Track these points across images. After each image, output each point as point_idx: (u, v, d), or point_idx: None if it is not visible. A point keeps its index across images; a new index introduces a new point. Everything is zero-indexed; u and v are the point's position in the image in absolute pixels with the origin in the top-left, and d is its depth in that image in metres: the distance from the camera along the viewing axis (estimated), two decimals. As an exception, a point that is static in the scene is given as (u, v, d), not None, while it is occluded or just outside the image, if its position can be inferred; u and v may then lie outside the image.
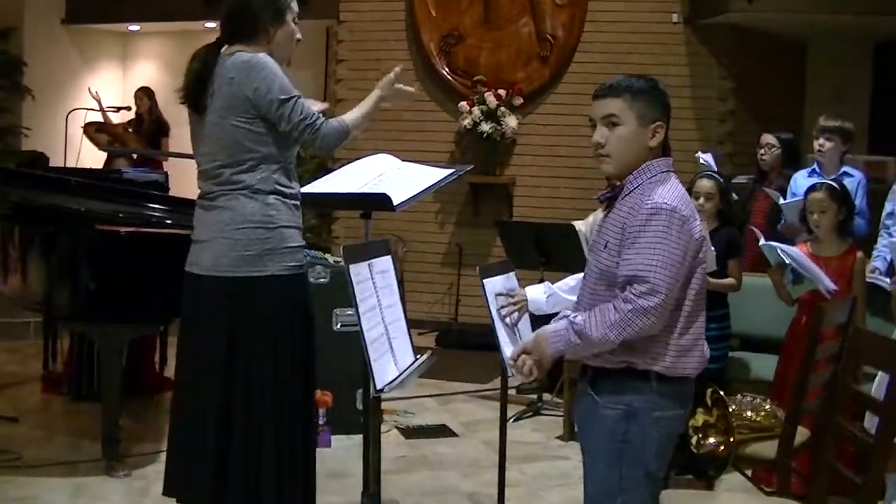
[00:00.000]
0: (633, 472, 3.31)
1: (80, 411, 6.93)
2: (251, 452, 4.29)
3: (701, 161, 7.31)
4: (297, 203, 4.40)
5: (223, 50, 4.32)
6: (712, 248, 5.51)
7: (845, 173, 6.77)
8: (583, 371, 3.46)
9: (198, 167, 4.40)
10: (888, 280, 5.85)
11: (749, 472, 5.35)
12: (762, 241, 5.87)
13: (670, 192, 3.27)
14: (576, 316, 3.31)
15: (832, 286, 5.42)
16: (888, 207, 6.52)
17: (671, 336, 3.26)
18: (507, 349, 4.16)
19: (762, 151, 7.50)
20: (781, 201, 6.77)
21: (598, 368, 3.37)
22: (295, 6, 4.42)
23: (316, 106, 4.61)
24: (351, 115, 4.48)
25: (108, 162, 9.58)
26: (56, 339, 7.89)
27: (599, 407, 3.36)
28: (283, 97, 4.20)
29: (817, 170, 6.89)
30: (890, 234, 6.46)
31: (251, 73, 4.19)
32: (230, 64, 4.24)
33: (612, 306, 3.21)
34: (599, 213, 3.48)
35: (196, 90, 4.34)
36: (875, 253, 6.40)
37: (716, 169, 7.10)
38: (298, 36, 4.45)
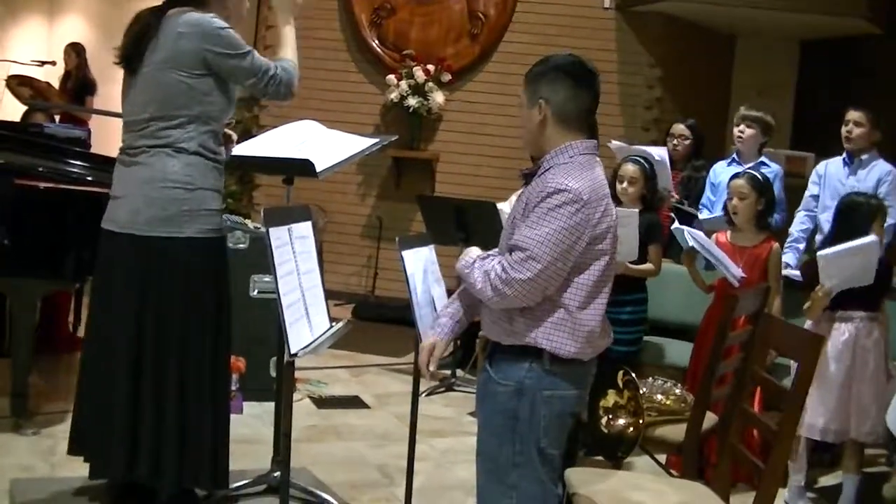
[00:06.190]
0: (526, 447, 3.36)
1: (-12, 367, 6.83)
2: (156, 412, 4.29)
3: None
4: (221, 168, 4.39)
5: (170, 11, 4.29)
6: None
7: (763, 163, 6.86)
8: (484, 346, 3.51)
9: (124, 119, 4.35)
10: (798, 273, 5.93)
11: (660, 457, 5.41)
12: (674, 226, 5.93)
13: (578, 175, 3.28)
14: (484, 258, 3.38)
15: (739, 273, 5.49)
16: (813, 190, 6.61)
17: (566, 320, 3.29)
18: (423, 324, 4.16)
19: (675, 142, 7.57)
20: (702, 216, 6.96)
21: (495, 344, 3.42)
22: None
23: None
24: (287, 53, 4.50)
25: (26, 116, 9.41)
26: (-34, 293, 7.78)
27: (492, 382, 3.41)
28: (243, 51, 4.24)
29: (736, 158, 6.99)
30: (810, 216, 6.58)
31: (205, 30, 4.20)
32: (180, 20, 4.23)
33: (495, 264, 3.27)
34: (521, 193, 3.52)
35: (134, 50, 4.31)
36: (786, 246, 6.49)
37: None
38: None
